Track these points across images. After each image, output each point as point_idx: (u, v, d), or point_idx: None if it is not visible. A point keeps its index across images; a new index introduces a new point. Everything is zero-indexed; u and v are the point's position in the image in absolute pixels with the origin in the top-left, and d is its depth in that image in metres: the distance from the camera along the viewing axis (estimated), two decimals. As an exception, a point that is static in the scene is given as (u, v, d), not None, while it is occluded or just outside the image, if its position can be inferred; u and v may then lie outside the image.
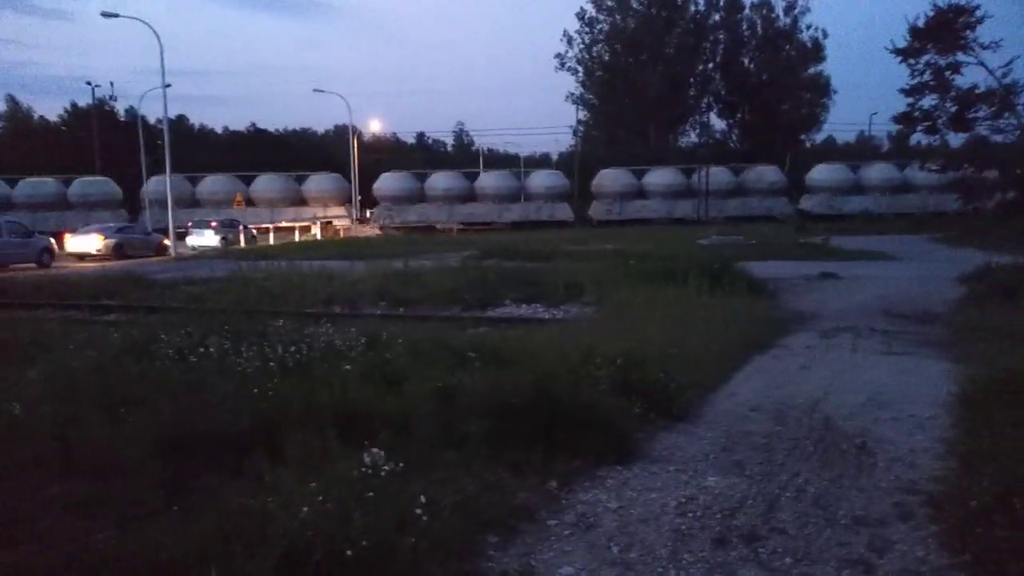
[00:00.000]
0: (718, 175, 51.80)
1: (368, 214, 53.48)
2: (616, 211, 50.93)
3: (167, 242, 32.95)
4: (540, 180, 52.99)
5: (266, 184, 52.63)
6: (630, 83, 67.62)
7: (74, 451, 4.92)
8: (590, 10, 71.84)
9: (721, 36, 71.88)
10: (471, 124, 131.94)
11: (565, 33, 72.94)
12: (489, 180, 52.69)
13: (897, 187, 50.53)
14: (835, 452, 5.73)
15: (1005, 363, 7.31)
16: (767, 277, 15.38)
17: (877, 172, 51.32)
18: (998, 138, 36.02)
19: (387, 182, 52.15)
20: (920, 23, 35.05)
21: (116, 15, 32.41)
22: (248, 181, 52.90)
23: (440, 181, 52.04)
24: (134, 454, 4.84)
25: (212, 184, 52.42)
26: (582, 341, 8.02)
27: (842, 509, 4.67)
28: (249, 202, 51.23)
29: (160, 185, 49.03)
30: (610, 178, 52.54)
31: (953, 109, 36.02)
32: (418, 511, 3.92)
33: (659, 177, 52.20)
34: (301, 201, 52.83)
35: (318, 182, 53.47)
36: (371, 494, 4.00)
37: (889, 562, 4.00)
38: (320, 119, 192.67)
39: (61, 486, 4.50)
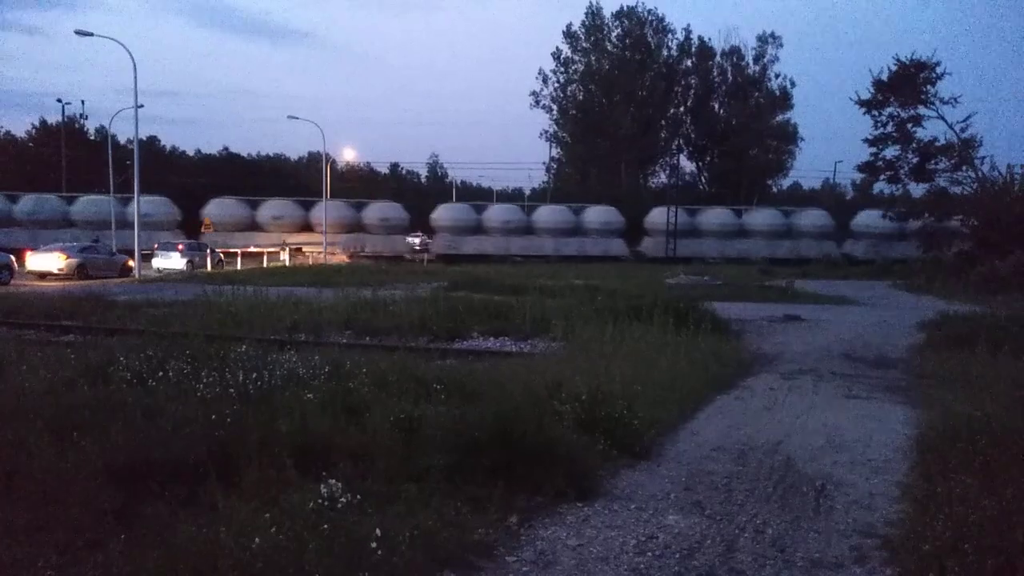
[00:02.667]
0: (556, 213, 52.31)
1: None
2: (454, 246, 50.32)
3: (132, 263, 32.41)
4: (376, 212, 52.17)
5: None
6: (603, 123, 68.76)
7: (18, 476, 4.77)
8: (565, 50, 73.32)
9: (692, 81, 73.58)
10: (446, 157, 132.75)
11: (541, 71, 74.33)
12: (326, 211, 51.32)
13: (733, 232, 51.81)
14: (794, 494, 5.77)
15: (961, 409, 7.43)
16: (732, 318, 15.55)
17: (713, 217, 52.40)
18: (956, 190, 37.17)
19: (215, 207, 50.36)
20: (884, 76, 36.26)
21: (90, 34, 32.18)
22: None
23: (273, 210, 50.82)
24: (82, 480, 4.70)
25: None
26: (548, 376, 8.01)
27: (800, 551, 4.69)
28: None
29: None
30: (448, 213, 52.18)
31: (915, 160, 37.15)
32: (373, 545, 3.85)
33: (499, 213, 52.25)
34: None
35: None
36: (326, 527, 3.93)
37: (844, 606, 4.02)
38: (294, 146, 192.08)
39: (2, 512, 4.35)
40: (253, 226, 50.43)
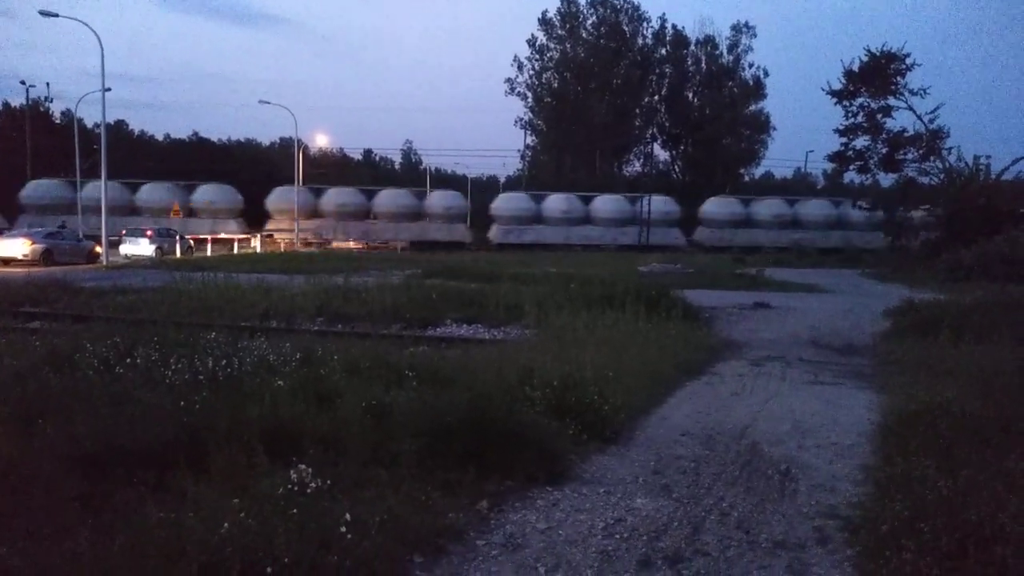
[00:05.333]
0: (399, 197, 52.54)
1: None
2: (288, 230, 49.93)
3: (99, 249, 31.86)
4: (205, 195, 51.23)
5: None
6: (578, 111, 68.77)
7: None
8: (541, 37, 73.14)
9: (667, 70, 73.81)
10: (420, 143, 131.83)
11: (516, 58, 74.10)
12: (150, 193, 50.45)
13: (579, 219, 52.22)
14: (760, 477, 5.88)
15: (923, 395, 7.59)
16: (702, 305, 15.72)
17: (556, 203, 52.35)
18: (924, 180, 37.76)
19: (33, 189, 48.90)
20: (855, 67, 36.65)
21: (55, 15, 31.40)
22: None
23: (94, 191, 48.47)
24: (49, 467, 4.66)
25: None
26: (520, 362, 8.06)
27: (764, 533, 4.79)
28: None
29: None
30: (282, 196, 50.96)
31: (884, 150, 37.66)
32: (343, 529, 3.87)
33: (335, 197, 51.73)
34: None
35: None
36: (295, 511, 3.94)
37: (806, 584, 4.12)
38: (266, 131, 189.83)
39: (-33, 499, 4.30)
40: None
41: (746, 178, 74.87)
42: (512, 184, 71.88)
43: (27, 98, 57.69)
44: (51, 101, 64.33)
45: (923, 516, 4.22)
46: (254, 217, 51.90)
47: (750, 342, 12.80)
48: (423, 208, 51.78)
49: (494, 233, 51.46)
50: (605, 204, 52.23)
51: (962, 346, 10.71)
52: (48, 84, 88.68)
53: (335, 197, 51.45)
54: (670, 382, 9.08)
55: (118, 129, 68.77)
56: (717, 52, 72.82)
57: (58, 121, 63.35)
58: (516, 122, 75.62)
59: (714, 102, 70.56)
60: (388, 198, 51.98)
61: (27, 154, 52.96)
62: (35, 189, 48.76)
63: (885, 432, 6.88)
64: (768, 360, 11.18)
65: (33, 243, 29.11)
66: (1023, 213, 34.53)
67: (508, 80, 74.42)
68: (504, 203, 52.22)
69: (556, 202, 51.89)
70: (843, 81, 37.19)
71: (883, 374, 10.15)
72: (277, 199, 50.92)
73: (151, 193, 50.54)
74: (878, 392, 9.04)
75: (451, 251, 43.39)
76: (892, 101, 36.67)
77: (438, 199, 52.15)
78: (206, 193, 51.04)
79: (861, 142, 38.09)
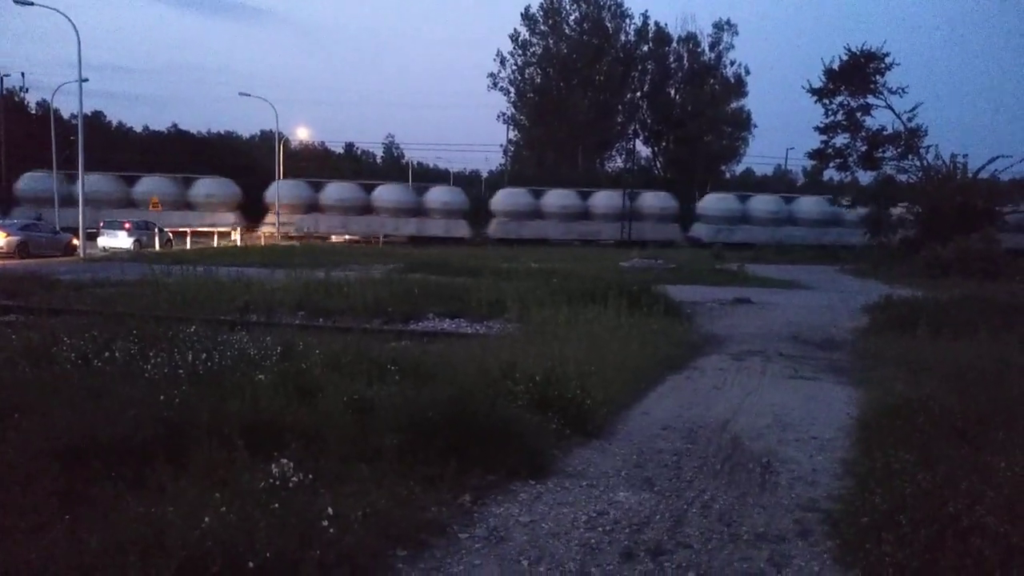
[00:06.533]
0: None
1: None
2: (168, 221, 48.46)
3: (76, 242, 31.45)
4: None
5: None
6: (560, 106, 68.85)
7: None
8: (524, 32, 73.07)
9: (649, 67, 74.04)
10: (401, 137, 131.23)
11: (499, 53, 73.98)
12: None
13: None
14: (741, 471, 5.92)
15: (901, 389, 7.69)
16: (684, 300, 15.79)
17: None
18: (902, 178, 38.20)
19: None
20: (835, 66, 36.96)
21: (31, 3, 30.92)
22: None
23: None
24: (25, 462, 4.59)
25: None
26: (502, 357, 8.05)
27: (745, 525, 4.82)
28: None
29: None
30: (152, 186, 51.17)
31: (863, 148, 38.05)
32: (325, 523, 3.85)
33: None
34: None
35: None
36: (277, 506, 3.91)
37: (786, 577, 4.15)
38: (246, 124, 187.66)
39: (-59, 494, 4.22)
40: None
41: (727, 175, 75.34)
42: (495, 179, 71.78)
43: (1, 88, 56.72)
44: (26, 91, 63.46)
45: (902, 509, 4.27)
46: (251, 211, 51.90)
47: (731, 337, 12.88)
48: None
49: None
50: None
51: (939, 342, 10.84)
52: (23, 74, 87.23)
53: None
54: (652, 377, 9.11)
55: (96, 120, 67.97)
56: (699, 49, 73.24)
57: (33, 112, 62.40)
58: (498, 117, 75.89)
59: (696, 99, 70.89)
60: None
61: (0, 145, 52.09)
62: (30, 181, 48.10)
63: (864, 426, 6.94)
64: (748, 355, 11.25)
65: (8, 235, 28.66)
66: (999, 211, 35.09)
67: (491, 75, 74.46)
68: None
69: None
70: (823, 79, 37.53)
71: (862, 369, 10.25)
72: (147, 188, 50.43)
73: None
74: (857, 387, 9.13)
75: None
76: (871, 99, 37.09)
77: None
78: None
79: (841, 140, 38.51)
